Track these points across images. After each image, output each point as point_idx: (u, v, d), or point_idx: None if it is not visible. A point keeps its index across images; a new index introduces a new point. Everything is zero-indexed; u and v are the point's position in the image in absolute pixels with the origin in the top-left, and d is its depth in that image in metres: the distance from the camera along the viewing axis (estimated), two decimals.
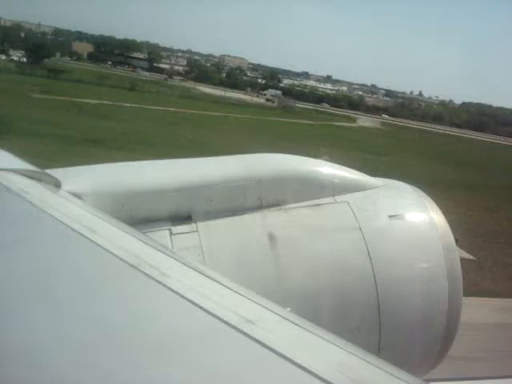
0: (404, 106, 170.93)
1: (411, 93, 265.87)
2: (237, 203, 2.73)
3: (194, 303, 1.29)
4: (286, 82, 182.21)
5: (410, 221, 2.94)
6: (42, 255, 1.55)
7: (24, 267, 1.44)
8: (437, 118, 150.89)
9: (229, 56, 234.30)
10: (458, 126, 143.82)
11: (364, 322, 2.71)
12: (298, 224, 2.79)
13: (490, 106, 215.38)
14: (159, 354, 1.10)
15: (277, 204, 2.82)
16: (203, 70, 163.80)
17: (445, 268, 2.84)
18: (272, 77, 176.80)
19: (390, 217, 2.91)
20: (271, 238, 2.68)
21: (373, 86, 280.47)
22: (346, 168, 3.18)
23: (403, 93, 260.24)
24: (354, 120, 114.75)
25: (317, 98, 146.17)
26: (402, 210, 2.96)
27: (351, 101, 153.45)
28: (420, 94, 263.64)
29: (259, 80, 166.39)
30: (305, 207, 2.85)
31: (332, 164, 3.15)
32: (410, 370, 1.22)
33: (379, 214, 2.91)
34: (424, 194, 3.19)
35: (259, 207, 2.78)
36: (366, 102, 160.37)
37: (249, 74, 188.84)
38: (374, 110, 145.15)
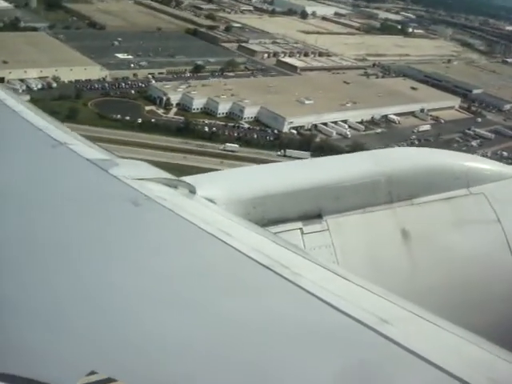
0: None
1: None
2: (367, 199, 2.68)
3: (326, 302, 1.29)
4: None
5: None
6: (179, 258, 1.65)
7: (164, 269, 1.55)
8: None
9: None
10: None
11: (506, 317, 2.55)
12: (431, 218, 2.69)
13: None
14: (295, 351, 1.11)
15: (408, 198, 2.73)
16: None
17: None
18: None
19: None
20: (404, 234, 2.60)
21: None
22: (479, 157, 3.04)
23: None
24: None
25: None
26: None
27: None
28: None
29: None
30: (438, 200, 2.74)
31: (465, 154, 3.03)
32: None
33: None
34: None
35: (390, 202, 2.71)
36: None
37: None
38: None
